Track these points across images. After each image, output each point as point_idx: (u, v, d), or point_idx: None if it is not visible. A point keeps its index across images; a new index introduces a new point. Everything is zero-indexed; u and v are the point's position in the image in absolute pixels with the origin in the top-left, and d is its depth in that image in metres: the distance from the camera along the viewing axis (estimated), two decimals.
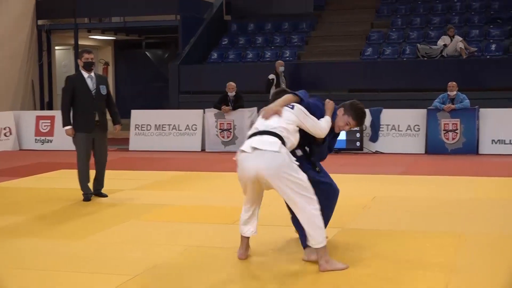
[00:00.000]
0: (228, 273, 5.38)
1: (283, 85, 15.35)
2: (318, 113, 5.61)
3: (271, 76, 15.46)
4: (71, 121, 8.65)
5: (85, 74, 8.68)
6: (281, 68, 15.53)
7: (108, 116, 9.01)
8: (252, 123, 14.62)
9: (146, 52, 24.38)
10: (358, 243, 6.22)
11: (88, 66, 8.69)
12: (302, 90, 5.76)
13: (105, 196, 8.87)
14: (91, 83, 8.68)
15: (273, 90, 15.25)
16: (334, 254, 5.67)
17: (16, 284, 5.29)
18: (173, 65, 18.22)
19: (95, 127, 8.67)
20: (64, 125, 8.71)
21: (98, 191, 8.89)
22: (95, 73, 8.83)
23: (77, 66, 20.61)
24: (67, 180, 10.57)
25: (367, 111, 14.06)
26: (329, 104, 5.72)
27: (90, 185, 8.86)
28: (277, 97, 5.62)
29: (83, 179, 8.79)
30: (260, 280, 5.18)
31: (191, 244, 6.36)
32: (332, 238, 6.19)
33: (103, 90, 8.77)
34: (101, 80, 8.90)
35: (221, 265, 5.61)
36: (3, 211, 8.31)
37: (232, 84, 14.72)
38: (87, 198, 8.76)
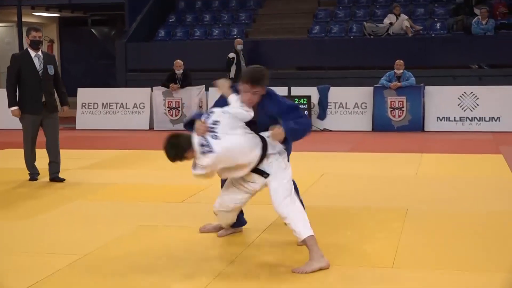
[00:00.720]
0: (180, 251, 5.38)
1: (243, 63, 15.37)
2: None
3: (231, 55, 15.46)
4: (17, 101, 8.38)
5: (32, 53, 8.37)
6: (239, 47, 15.53)
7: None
8: (200, 101, 14.72)
9: (92, 30, 24.04)
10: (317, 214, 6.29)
11: (35, 45, 8.39)
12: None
13: (62, 180, 8.55)
14: (38, 63, 8.36)
15: (233, 68, 15.28)
16: (280, 231, 5.71)
17: None
18: (119, 42, 18.02)
19: (42, 109, 8.38)
20: (9, 106, 8.41)
21: (54, 175, 8.59)
22: (42, 52, 8.54)
23: (21, 43, 20.29)
24: (12, 160, 10.41)
25: (314, 88, 14.21)
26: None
27: (43, 166, 8.64)
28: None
29: (28, 159, 8.60)
30: (213, 259, 5.20)
31: (140, 223, 6.34)
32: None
33: (51, 70, 8.44)
34: (49, 59, 8.57)
35: (172, 244, 5.60)
36: None
37: (179, 62, 14.65)
38: (32, 177, 8.60)
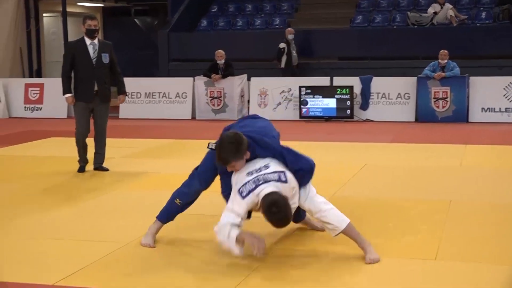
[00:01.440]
0: None
1: (294, 53, 15.35)
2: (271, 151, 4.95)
3: (282, 45, 15.44)
4: (71, 88, 8.37)
5: (88, 41, 8.31)
6: (291, 36, 15.49)
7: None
8: (242, 91, 14.74)
9: (135, 19, 24.19)
10: (348, 211, 6.23)
11: (91, 34, 8.31)
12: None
13: (106, 170, 8.56)
14: (92, 51, 8.30)
15: (284, 58, 15.28)
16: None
17: (11, 250, 5.31)
18: (162, 32, 18.10)
19: (93, 97, 8.33)
20: (63, 93, 8.42)
21: (98, 165, 8.59)
22: (99, 40, 8.45)
23: (65, 34, 20.51)
24: (56, 148, 10.57)
25: (357, 78, 14.10)
26: None
27: (91, 158, 8.63)
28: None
29: (79, 149, 8.53)
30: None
31: (183, 213, 6.37)
32: None
33: (105, 59, 8.35)
34: (104, 47, 8.46)
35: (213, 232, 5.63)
36: None
37: (220, 52, 14.67)
38: (80, 168, 8.54)
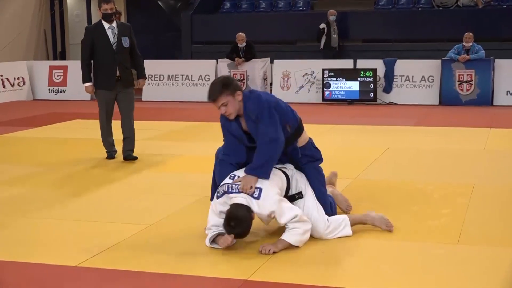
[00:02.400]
0: None
1: (334, 35, 15.30)
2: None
3: (322, 26, 15.43)
4: (91, 77, 8.04)
5: (106, 25, 7.88)
6: (332, 18, 15.41)
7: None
8: (264, 74, 14.72)
9: (158, 2, 24.18)
10: (370, 194, 6.25)
11: (107, 18, 7.88)
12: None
13: (135, 158, 8.11)
14: (111, 35, 7.89)
15: (324, 39, 15.24)
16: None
17: (36, 231, 5.38)
18: (185, 14, 18.11)
19: (116, 84, 7.94)
20: (83, 82, 8.07)
21: (128, 153, 8.11)
22: (117, 23, 8.03)
23: (89, 16, 20.59)
24: (81, 130, 10.65)
25: (380, 61, 14.02)
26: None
27: (119, 145, 8.26)
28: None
29: (103, 136, 8.19)
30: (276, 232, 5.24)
31: (204, 195, 6.41)
32: (344, 189, 6.22)
33: (125, 42, 7.95)
34: (124, 30, 8.03)
35: None
36: (18, 161, 8.39)
37: (241, 35, 14.63)
38: (109, 155, 8.23)
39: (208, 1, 18.49)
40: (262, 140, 4.85)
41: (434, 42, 15.68)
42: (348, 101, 13.96)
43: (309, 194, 5.05)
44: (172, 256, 4.75)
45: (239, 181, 4.79)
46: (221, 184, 4.92)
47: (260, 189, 4.76)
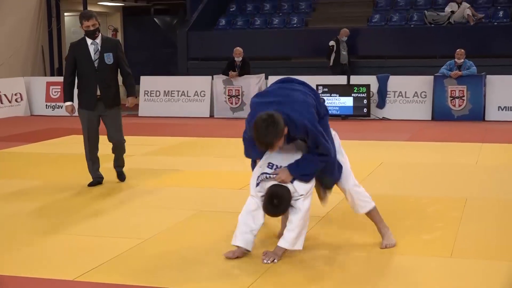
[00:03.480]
0: None
1: (343, 52, 15.34)
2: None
3: (331, 43, 15.46)
4: (72, 95, 7.41)
5: (89, 41, 7.26)
6: (344, 38, 15.46)
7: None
8: (259, 90, 14.73)
9: (155, 19, 24.28)
10: (336, 208, 6.26)
11: (90, 35, 7.25)
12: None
13: (123, 178, 7.73)
14: (93, 51, 7.24)
15: (333, 57, 15.28)
16: (341, 219, 5.72)
17: (34, 247, 5.37)
18: (181, 31, 18.16)
19: (96, 103, 7.29)
20: (64, 101, 7.47)
21: (118, 169, 7.76)
22: (103, 38, 7.36)
23: None
24: (78, 146, 10.58)
25: (373, 77, 14.08)
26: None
27: (107, 168, 7.80)
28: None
29: (87, 161, 7.60)
30: (266, 243, 5.23)
31: (201, 209, 6.41)
32: (338, 203, 6.22)
33: (109, 59, 7.24)
34: (108, 46, 7.33)
35: (231, 229, 5.65)
36: (15, 175, 8.38)
37: (239, 49, 14.68)
38: (93, 182, 7.55)
39: (204, 18, 18.54)
40: (313, 153, 4.85)
41: (427, 58, 15.74)
42: (342, 116, 13.99)
43: (341, 150, 5.23)
44: (168, 270, 4.75)
45: (277, 173, 4.80)
46: (260, 173, 4.89)
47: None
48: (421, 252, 5.05)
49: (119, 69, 7.47)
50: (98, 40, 7.29)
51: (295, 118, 4.71)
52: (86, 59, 7.25)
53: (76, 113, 7.55)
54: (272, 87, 5.24)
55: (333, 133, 5.23)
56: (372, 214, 5.21)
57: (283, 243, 4.84)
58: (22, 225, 5.99)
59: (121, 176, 7.77)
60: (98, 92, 7.29)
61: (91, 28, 7.22)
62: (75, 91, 7.46)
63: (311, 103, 4.93)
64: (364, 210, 5.17)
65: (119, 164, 7.79)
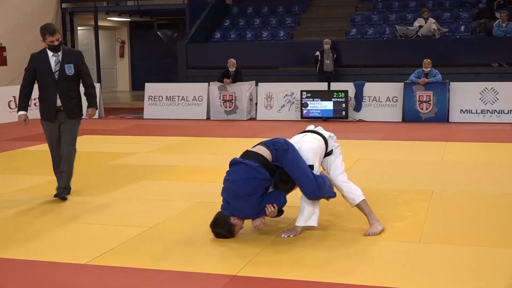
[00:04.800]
0: None
1: (327, 61, 15.30)
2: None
3: (316, 53, 15.43)
4: (27, 106, 6.63)
5: (50, 53, 6.45)
6: (326, 46, 15.42)
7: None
8: (250, 95, 14.73)
9: (158, 32, 24.23)
10: (341, 199, 6.25)
11: (54, 50, 6.44)
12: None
13: (64, 199, 6.50)
14: (53, 63, 6.44)
15: (318, 65, 15.24)
16: (321, 209, 5.70)
17: (43, 234, 5.34)
18: (181, 43, 18.10)
19: (57, 114, 6.49)
20: (17, 110, 6.66)
21: (59, 189, 6.56)
22: (64, 49, 6.52)
23: (97, 45, 20.55)
24: (88, 145, 10.58)
25: (351, 84, 14.06)
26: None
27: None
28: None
29: (54, 170, 6.80)
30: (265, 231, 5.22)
31: (199, 200, 6.39)
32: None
33: (69, 70, 6.44)
34: (69, 57, 6.50)
35: None
36: (33, 172, 8.33)
37: (232, 60, 14.68)
38: (58, 195, 6.57)
39: (201, 32, 18.51)
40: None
41: (398, 67, 15.74)
42: (323, 118, 13.98)
43: (337, 150, 5.40)
44: (170, 254, 4.73)
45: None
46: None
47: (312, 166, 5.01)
48: (393, 238, 5.05)
49: (82, 81, 6.65)
50: (60, 52, 6.48)
51: (239, 215, 4.98)
52: (46, 71, 6.45)
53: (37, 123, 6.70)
54: (225, 176, 5.16)
55: (331, 134, 5.48)
56: (361, 207, 5.23)
57: (298, 221, 5.05)
58: (38, 215, 5.95)
59: (61, 196, 6.53)
60: (59, 103, 6.49)
61: (56, 43, 6.39)
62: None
63: (252, 188, 4.90)
64: (354, 203, 5.20)
65: (61, 185, 6.59)
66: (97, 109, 6.78)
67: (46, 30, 6.37)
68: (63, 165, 6.59)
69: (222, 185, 5.08)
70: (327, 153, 5.28)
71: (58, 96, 6.46)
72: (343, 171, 5.28)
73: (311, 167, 5.00)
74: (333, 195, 5.16)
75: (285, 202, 5.04)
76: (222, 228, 4.99)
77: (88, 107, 6.67)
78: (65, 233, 5.37)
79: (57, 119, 6.52)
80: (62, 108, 6.49)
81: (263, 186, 4.94)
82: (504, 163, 8.42)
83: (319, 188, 4.95)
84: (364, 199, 5.22)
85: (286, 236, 5.04)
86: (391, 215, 5.70)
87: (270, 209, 4.91)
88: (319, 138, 5.28)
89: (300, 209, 5.07)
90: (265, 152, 5.01)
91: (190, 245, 4.92)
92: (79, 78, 6.59)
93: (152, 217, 5.75)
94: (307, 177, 4.92)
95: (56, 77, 6.44)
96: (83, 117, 6.79)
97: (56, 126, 6.56)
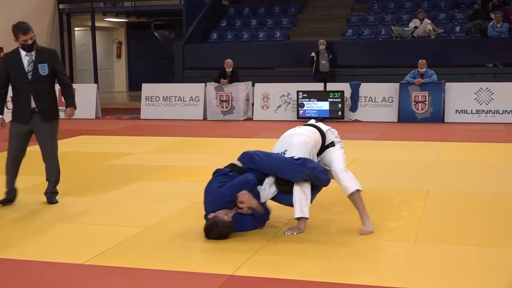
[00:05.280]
0: None
1: (323, 61, 15.31)
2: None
3: (312, 54, 15.44)
4: (2, 108, 6.31)
5: (23, 52, 6.10)
6: (321, 47, 15.42)
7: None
8: (247, 95, 14.72)
9: (155, 33, 24.21)
10: (340, 199, 6.23)
11: (27, 50, 6.09)
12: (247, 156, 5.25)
13: (54, 202, 6.32)
14: (26, 63, 6.08)
15: (314, 66, 15.25)
16: (318, 208, 5.70)
17: (41, 234, 5.32)
18: (178, 44, 18.09)
19: (31, 116, 6.13)
20: None
21: (48, 195, 6.38)
22: (38, 48, 6.15)
23: (94, 45, 20.52)
24: (86, 145, 10.58)
25: (347, 84, 14.09)
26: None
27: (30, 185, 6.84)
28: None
29: (6, 174, 6.33)
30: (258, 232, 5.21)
31: (196, 200, 6.37)
32: (317, 195, 6.20)
33: (43, 70, 6.08)
34: (43, 56, 6.13)
35: None
36: (30, 172, 8.29)
37: (229, 61, 14.68)
38: (4, 199, 6.27)
39: (198, 32, 18.50)
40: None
41: (393, 67, 15.76)
42: (319, 118, 13.97)
43: (339, 144, 5.44)
44: (167, 254, 4.72)
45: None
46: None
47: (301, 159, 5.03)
48: (389, 237, 5.04)
49: (59, 81, 6.30)
50: (33, 52, 6.12)
51: (215, 207, 5.09)
52: (19, 71, 6.08)
53: (9, 126, 6.28)
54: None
55: (331, 128, 5.52)
56: (355, 199, 5.20)
57: (295, 214, 5.06)
58: (36, 215, 5.93)
59: (51, 200, 6.37)
60: (33, 105, 6.13)
61: (29, 42, 6.03)
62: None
63: (218, 183, 5.14)
64: (348, 191, 5.17)
65: (49, 189, 6.40)
66: (75, 108, 6.41)
67: (19, 29, 6.03)
68: (50, 174, 6.38)
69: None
70: (327, 145, 5.30)
71: (32, 97, 6.11)
72: (343, 161, 5.30)
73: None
74: (327, 178, 5.11)
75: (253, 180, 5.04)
76: (218, 228, 4.95)
77: (66, 106, 6.35)
78: (62, 233, 5.35)
79: (32, 121, 6.17)
80: (36, 110, 6.14)
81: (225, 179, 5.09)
82: (499, 163, 8.43)
83: (303, 163, 4.97)
84: (359, 190, 5.18)
85: (290, 233, 5.06)
86: (387, 215, 5.70)
87: (241, 197, 4.96)
88: (313, 130, 5.32)
89: (293, 200, 5.06)
90: (236, 162, 5.24)
91: (187, 245, 4.91)
92: (54, 78, 6.24)
93: (149, 217, 5.73)
94: (284, 163, 4.99)
95: (30, 77, 6.09)
96: (62, 117, 6.56)
97: (28, 129, 6.20)
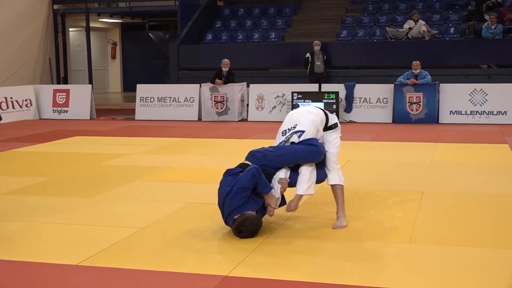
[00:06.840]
0: (223, 226, 5.40)
1: (317, 62, 15.32)
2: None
3: (307, 55, 15.45)
4: None
5: None
6: (316, 48, 15.44)
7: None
8: (242, 96, 14.72)
9: (149, 34, 24.17)
10: (333, 199, 6.25)
11: None
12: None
13: None
14: None
15: (309, 67, 15.28)
16: (313, 210, 5.71)
17: (35, 235, 5.31)
18: (173, 45, 18.08)
19: None
20: None
21: None
22: None
23: (89, 46, 20.47)
24: (80, 145, 10.56)
25: (342, 85, 14.10)
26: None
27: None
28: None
29: None
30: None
31: (190, 201, 6.37)
32: (312, 195, 6.20)
33: None
34: None
35: (216, 218, 5.62)
36: (25, 172, 8.29)
37: (226, 61, 14.67)
38: None
39: (193, 33, 18.48)
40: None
41: (388, 68, 15.79)
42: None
43: (338, 129, 5.55)
44: (162, 254, 4.71)
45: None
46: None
47: (302, 132, 5.21)
48: (384, 238, 5.05)
49: None
50: None
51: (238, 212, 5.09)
52: None
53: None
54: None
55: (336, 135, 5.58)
56: (336, 192, 5.38)
57: (298, 190, 5.14)
58: (31, 215, 5.91)
59: None
60: None
61: None
62: None
63: (227, 185, 5.18)
64: (332, 182, 5.37)
65: None
66: (1, 119, 6.03)
67: None
68: None
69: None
70: (329, 127, 5.44)
71: None
72: (336, 149, 5.47)
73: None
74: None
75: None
76: (250, 222, 4.98)
77: None
78: (56, 234, 5.34)
79: None
80: None
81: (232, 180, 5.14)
82: (493, 164, 8.45)
83: (314, 144, 5.17)
84: (341, 185, 5.36)
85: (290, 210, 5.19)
86: (382, 216, 5.70)
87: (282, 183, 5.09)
88: (317, 109, 5.47)
89: (299, 179, 5.14)
90: (246, 162, 5.26)
91: (182, 246, 4.90)
92: None
93: (144, 218, 5.72)
94: (300, 149, 5.13)
95: None
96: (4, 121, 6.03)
97: None
